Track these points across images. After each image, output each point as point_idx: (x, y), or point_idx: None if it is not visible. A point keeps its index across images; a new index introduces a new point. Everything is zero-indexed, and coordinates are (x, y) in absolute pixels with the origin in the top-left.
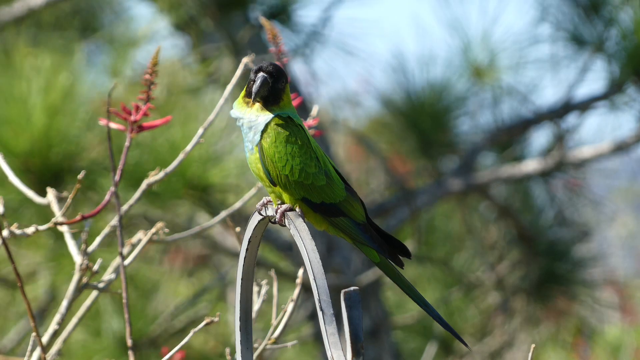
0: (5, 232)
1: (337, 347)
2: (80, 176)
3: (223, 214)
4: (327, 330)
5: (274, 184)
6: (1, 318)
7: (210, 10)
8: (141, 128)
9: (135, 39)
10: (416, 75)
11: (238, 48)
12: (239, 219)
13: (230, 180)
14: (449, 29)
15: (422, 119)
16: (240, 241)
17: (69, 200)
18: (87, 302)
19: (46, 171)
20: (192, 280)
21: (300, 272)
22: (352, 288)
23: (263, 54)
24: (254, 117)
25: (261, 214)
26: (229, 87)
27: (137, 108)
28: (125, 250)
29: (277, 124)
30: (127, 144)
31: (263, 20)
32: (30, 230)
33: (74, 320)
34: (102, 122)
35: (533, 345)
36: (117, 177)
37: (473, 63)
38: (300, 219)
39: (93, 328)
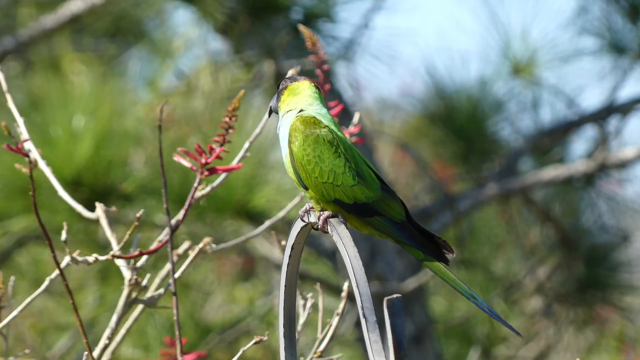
0: (67, 259)
1: (380, 354)
2: (139, 214)
3: (267, 223)
4: (370, 337)
5: (306, 188)
6: (49, 327)
7: (251, 14)
8: (212, 171)
9: (177, 45)
10: (453, 78)
11: (278, 52)
12: (284, 230)
13: (275, 201)
14: (488, 27)
15: (460, 123)
16: (283, 251)
17: (126, 237)
18: (135, 313)
19: (93, 196)
20: (245, 285)
21: (346, 285)
22: (394, 296)
23: (305, 57)
24: (281, 122)
25: (304, 220)
26: (274, 99)
27: (211, 150)
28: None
29: (302, 126)
30: (195, 185)
31: (302, 28)
32: (91, 259)
33: (122, 331)
34: (176, 157)
35: None
36: (181, 216)
37: (512, 60)
38: (343, 226)
39: (141, 344)
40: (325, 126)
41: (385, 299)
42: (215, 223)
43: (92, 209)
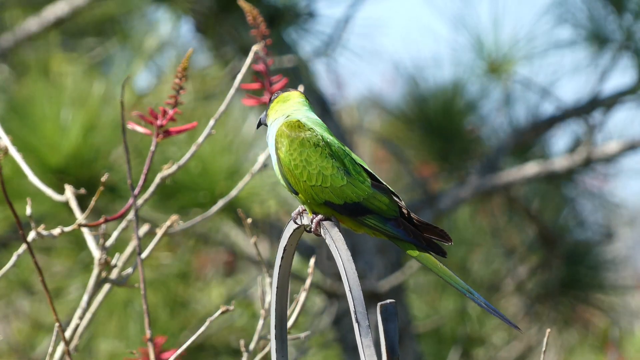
0: (32, 234)
1: (373, 359)
2: (103, 179)
3: (220, 203)
4: (363, 342)
5: (295, 192)
6: (35, 329)
7: (223, 10)
8: (167, 133)
9: (153, 43)
10: (428, 78)
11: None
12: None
13: (257, 194)
14: (458, 26)
15: (437, 122)
16: (257, 249)
17: (92, 204)
18: (100, 296)
19: (78, 186)
20: (225, 282)
21: (312, 262)
22: (388, 301)
23: (283, 52)
24: (269, 130)
25: (296, 223)
26: (239, 76)
27: (164, 112)
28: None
29: (287, 131)
30: (152, 148)
31: (241, 3)
32: (56, 231)
33: (88, 315)
34: (129, 125)
35: (548, 330)
36: (141, 182)
37: (487, 58)
38: (336, 229)
39: (122, 336)
40: (310, 128)
41: (379, 304)
42: (195, 214)
43: (77, 197)
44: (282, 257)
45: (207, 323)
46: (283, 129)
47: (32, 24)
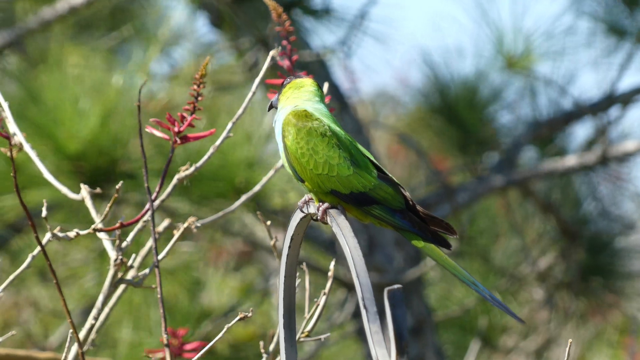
0: (48, 235)
1: (381, 345)
2: (118, 187)
3: (243, 197)
4: (371, 328)
5: (302, 180)
6: (50, 316)
7: (241, 1)
8: (185, 139)
9: (173, 37)
10: (448, 71)
11: (270, 40)
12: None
13: (276, 184)
14: (479, 20)
15: (457, 115)
16: (271, 235)
17: (107, 209)
18: (118, 293)
19: (96, 173)
20: (238, 274)
21: (332, 265)
22: (395, 286)
23: (299, 47)
24: (277, 116)
25: (303, 212)
26: (257, 80)
27: (183, 118)
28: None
29: (294, 120)
30: (170, 154)
31: (267, 0)
32: (72, 234)
33: (106, 310)
34: (148, 129)
35: (570, 341)
36: (157, 187)
37: (505, 54)
38: (343, 217)
39: (146, 326)
40: (317, 118)
41: (386, 289)
42: (216, 205)
43: (94, 186)
44: (289, 246)
45: (224, 330)
46: (290, 118)
47: (46, 13)
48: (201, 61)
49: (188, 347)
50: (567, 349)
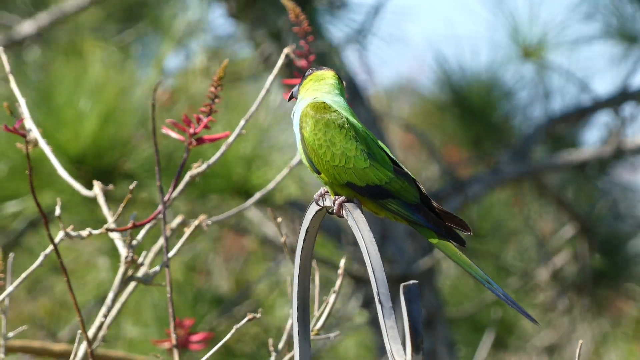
0: (61, 234)
1: (396, 341)
2: (131, 187)
3: (257, 195)
4: (387, 323)
5: (318, 172)
6: (64, 310)
7: None
8: (201, 141)
9: (185, 28)
10: (464, 62)
11: (285, 35)
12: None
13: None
14: (494, 11)
15: (471, 107)
16: (281, 231)
17: (119, 209)
18: (129, 290)
19: (97, 174)
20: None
21: (342, 262)
22: (411, 282)
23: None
24: (296, 108)
25: (318, 205)
26: (270, 77)
27: (199, 120)
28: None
29: (312, 112)
30: (185, 155)
31: (284, 1)
32: (84, 233)
33: (117, 307)
34: (164, 130)
35: (581, 341)
36: (171, 190)
37: (522, 43)
38: (358, 210)
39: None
40: (335, 110)
41: (402, 284)
42: (215, 202)
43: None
44: (304, 239)
45: (233, 330)
46: (308, 110)
47: (68, 5)
48: (216, 54)
49: (194, 338)
50: (578, 349)
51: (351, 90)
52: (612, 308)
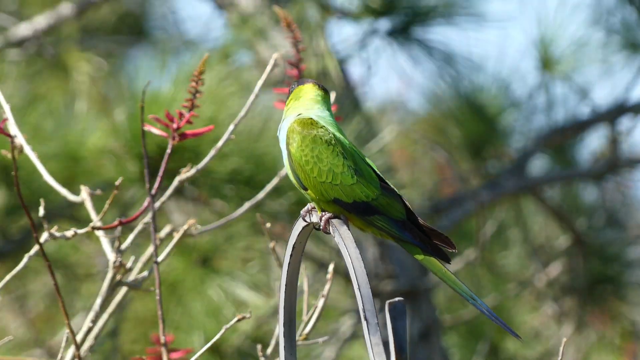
0: (45, 235)
1: (381, 357)
2: (117, 182)
3: (247, 204)
4: (372, 340)
5: (305, 188)
6: (53, 315)
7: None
8: (184, 136)
9: (191, 40)
10: (467, 74)
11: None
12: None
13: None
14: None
15: (470, 120)
16: (271, 237)
17: (106, 206)
18: (119, 296)
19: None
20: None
21: (331, 267)
22: (397, 299)
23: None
24: (282, 124)
25: (305, 220)
26: (259, 82)
27: (181, 115)
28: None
29: (299, 128)
30: (168, 151)
31: (276, 9)
32: (69, 233)
33: (105, 316)
34: (146, 127)
35: (565, 339)
36: (156, 185)
37: (543, 55)
38: (345, 227)
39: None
40: (322, 126)
41: (387, 302)
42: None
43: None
44: (290, 255)
45: (222, 330)
46: (295, 126)
47: (64, 9)
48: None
49: (174, 355)
50: (561, 348)
51: (351, 102)
52: (602, 318)
